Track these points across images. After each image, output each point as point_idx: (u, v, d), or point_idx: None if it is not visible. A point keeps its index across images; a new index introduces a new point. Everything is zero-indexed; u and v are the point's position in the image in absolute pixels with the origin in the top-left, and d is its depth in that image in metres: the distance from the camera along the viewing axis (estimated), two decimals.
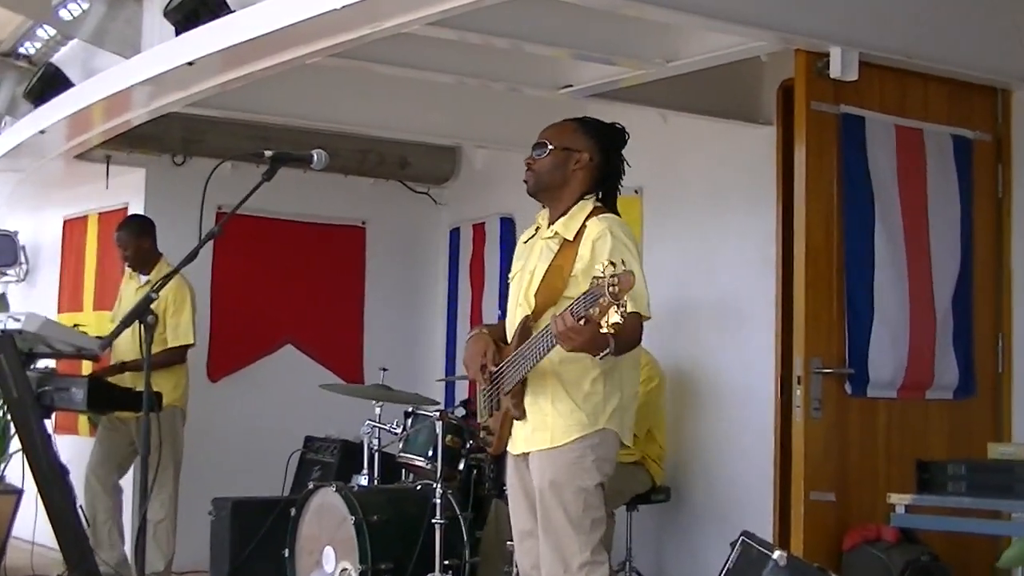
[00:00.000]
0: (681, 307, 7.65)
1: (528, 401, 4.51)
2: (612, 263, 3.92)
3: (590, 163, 4.60)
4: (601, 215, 4.52)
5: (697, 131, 7.56)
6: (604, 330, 3.96)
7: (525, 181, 4.64)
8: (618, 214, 4.61)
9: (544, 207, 4.72)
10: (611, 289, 3.87)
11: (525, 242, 4.75)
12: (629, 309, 4.26)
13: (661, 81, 6.68)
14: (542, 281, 4.50)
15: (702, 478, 7.49)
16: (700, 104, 7.19)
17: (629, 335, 4.29)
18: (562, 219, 4.58)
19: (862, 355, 5.82)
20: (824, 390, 5.67)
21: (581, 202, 4.58)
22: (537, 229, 4.70)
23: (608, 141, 4.64)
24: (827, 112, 5.78)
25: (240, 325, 9.07)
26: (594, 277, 3.97)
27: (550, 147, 4.60)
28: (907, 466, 5.45)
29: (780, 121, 7.12)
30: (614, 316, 3.91)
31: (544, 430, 4.47)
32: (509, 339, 4.58)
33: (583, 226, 4.51)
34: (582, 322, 4.03)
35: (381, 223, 9.70)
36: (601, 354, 4.20)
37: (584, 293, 4.02)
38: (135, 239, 7.77)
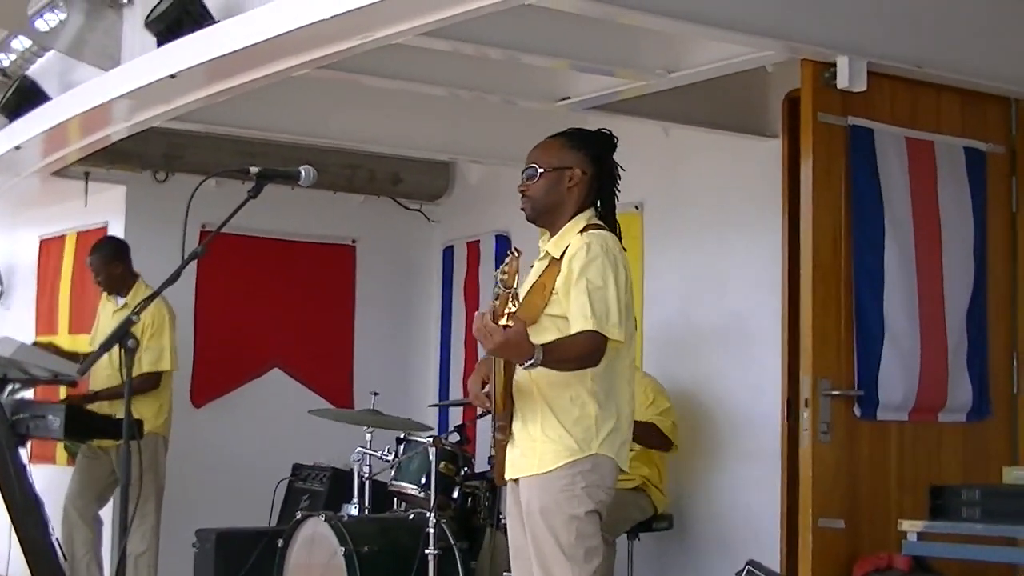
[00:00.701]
0: (684, 327, 7.66)
1: (517, 426, 4.51)
2: (512, 251, 4.04)
3: (584, 177, 4.60)
4: (590, 231, 4.52)
5: (700, 144, 7.57)
6: (503, 321, 4.04)
7: (523, 208, 4.66)
8: (616, 224, 4.62)
9: (543, 230, 4.73)
10: (501, 277, 3.97)
11: (532, 267, 4.78)
12: (590, 326, 4.33)
13: (662, 92, 6.69)
14: (525, 299, 4.51)
15: (706, 504, 7.48)
16: (703, 116, 7.21)
17: (569, 349, 4.34)
18: (555, 237, 4.60)
19: (872, 376, 5.82)
20: (833, 413, 5.67)
21: (575, 219, 4.60)
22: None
23: (598, 150, 4.65)
24: (835, 124, 5.79)
25: (225, 348, 9.06)
26: (495, 273, 4.09)
27: (540, 170, 4.61)
28: (919, 492, 5.45)
29: (786, 133, 7.13)
30: (510, 305, 4.01)
31: (532, 455, 4.47)
32: None
33: (569, 244, 4.53)
34: (498, 320, 4.11)
35: (372, 241, 9.70)
36: (526, 362, 4.24)
37: (493, 288, 4.12)
38: (106, 265, 7.77)
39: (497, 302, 4.07)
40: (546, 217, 4.64)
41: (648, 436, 6.87)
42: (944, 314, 6.08)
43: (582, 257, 4.43)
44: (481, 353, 4.53)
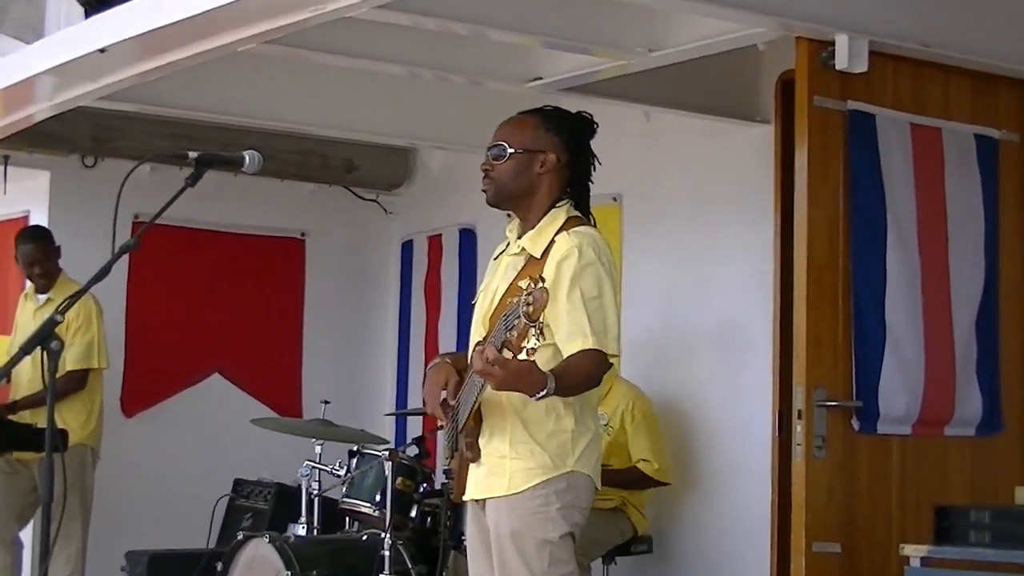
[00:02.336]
0: (666, 332, 7.66)
1: (484, 441, 4.47)
2: (533, 279, 3.91)
3: (557, 164, 4.55)
4: (575, 228, 4.48)
5: (684, 130, 7.58)
6: (522, 356, 3.94)
7: (484, 190, 4.61)
8: (592, 219, 4.59)
9: (510, 217, 4.69)
10: (525, 308, 3.86)
11: (495, 258, 4.73)
12: (590, 345, 4.29)
13: (644, 73, 6.68)
14: (499, 302, 4.46)
15: (690, 526, 7.48)
16: (688, 100, 7.21)
17: (578, 373, 4.29)
18: (531, 232, 4.55)
19: (872, 386, 5.83)
20: (828, 426, 5.68)
21: (552, 211, 4.54)
22: (508, 244, 4.68)
23: (576, 135, 4.60)
24: (832, 109, 5.79)
25: (159, 352, 9.03)
26: (511, 298, 3.96)
27: (510, 150, 4.56)
28: (923, 513, 5.46)
29: (779, 119, 7.13)
30: (531, 340, 3.90)
31: (500, 475, 4.43)
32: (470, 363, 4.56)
33: (552, 241, 4.48)
34: (504, 352, 4.01)
35: (323, 235, 9.69)
36: (538, 394, 4.18)
37: (503, 316, 4.02)
38: (46, 257, 7.72)
39: (512, 334, 3.94)
40: (509, 203, 4.60)
41: (631, 482, 6.94)
42: (951, 318, 6.10)
43: (573, 263, 4.38)
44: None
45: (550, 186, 4.56)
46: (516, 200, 4.59)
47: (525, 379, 4.11)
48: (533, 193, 4.55)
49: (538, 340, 3.90)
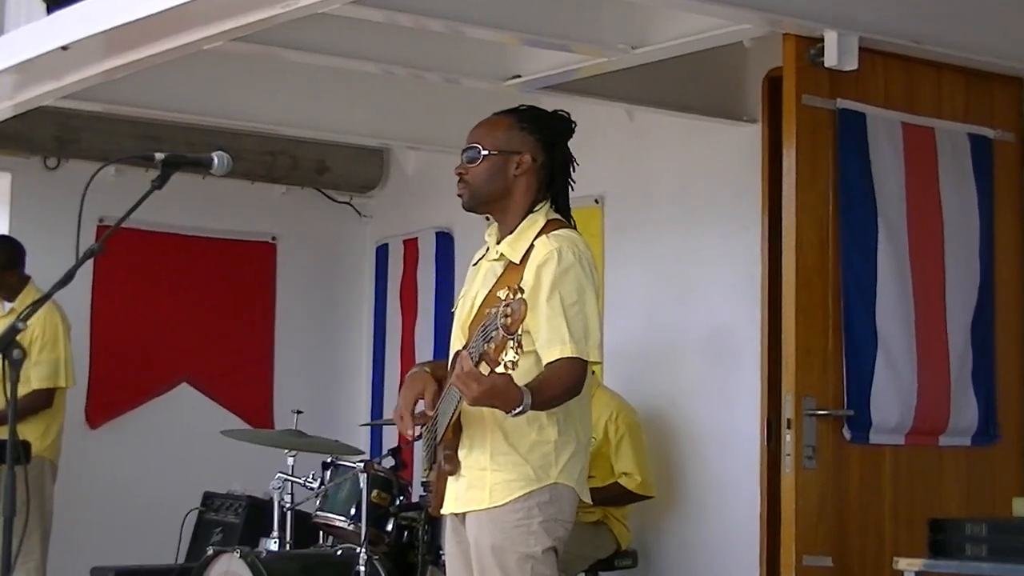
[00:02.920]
0: (650, 339, 7.65)
1: (463, 453, 4.46)
2: (512, 288, 3.89)
3: (534, 164, 4.54)
4: (554, 232, 4.47)
5: (668, 130, 7.58)
6: (500, 369, 3.93)
7: (459, 195, 4.60)
8: (572, 222, 4.58)
9: (489, 220, 4.69)
10: (503, 320, 3.84)
11: (474, 264, 4.72)
12: (569, 353, 4.27)
13: (626, 71, 6.68)
14: (479, 310, 4.45)
15: (675, 540, 7.48)
16: (672, 98, 7.21)
17: (555, 386, 4.28)
18: (510, 237, 4.54)
19: (863, 394, 5.83)
20: (819, 435, 5.68)
21: (531, 216, 4.53)
22: (488, 249, 4.67)
23: (552, 135, 4.59)
24: (821, 108, 5.80)
25: (125, 360, 9.01)
26: (490, 309, 3.94)
27: (483, 151, 4.55)
28: (917, 525, 5.46)
29: (766, 118, 7.14)
30: (510, 352, 3.88)
31: (480, 488, 4.42)
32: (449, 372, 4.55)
33: (532, 246, 4.47)
34: (482, 365, 3.99)
35: (294, 238, 9.68)
36: (515, 410, 4.16)
37: (481, 327, 4.00)
38: (6, 261, 7.70)
39: (490, 346, 3.93)
40: (485, 207, 4.60)
41: (613, 498, 6.95)
42: (945, 324, 6.11)
43: (552, 267, 4.37)
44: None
45: (527, 188, 4.55)
46: (492, 204, 4.58)
47: (500, 396, 4.10)
48: (509, 196, 4.55)
49: (516, 353, 3.89)
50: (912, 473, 5.98)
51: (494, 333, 3.89)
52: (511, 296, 3.86)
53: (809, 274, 5.73)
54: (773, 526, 6.36)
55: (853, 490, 5.80)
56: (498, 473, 4.40)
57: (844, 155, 5.85)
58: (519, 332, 3.86)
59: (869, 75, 5.86)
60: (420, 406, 4.54)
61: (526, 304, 3.87)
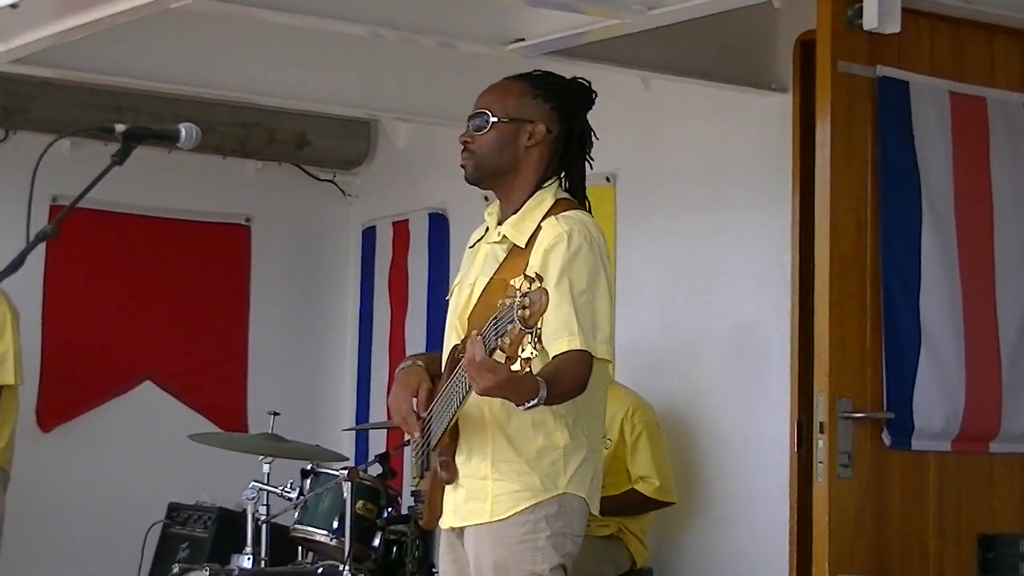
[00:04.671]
0: (666, 334, 7.65)
1: (461, 460, 4.46)
2: (528, 277, 3.87)
3: (547, 136, 4.54)
4: (564, 213, 4.46)
5: (688, 100, 7.58)
6: (516, 367, 3.92)
7: (463, 166, 4.60)
8: (587, 205, 4.57)
9: (488, 200, 4.68)
10: (520, 312, 3.83)
11: (471, 247, 4.71)
12: (578, 345, 4.27)
13: (641, 34, 6.67)
14: (480, 299, 4.45)
15: (696, 556, 7.49)
16: (692, 65, 7.20)
17: (570, 378, 4.27)
18: (513, 217, 4.53)
19: (905, 395, 5.84)
20: (855, 441, 5.69)
21: (538, 193, 4.54)
22: (488, 230, 4.66)
23: (570, 103, 4.59)
24: (859, 75, 5.80)
25: (81, 356, 9.02)
26: (502, 299, 3.93)
27: (492, 119, 4.55)
28: (965, 542, 5.48)
29: (797, 87, 7.13)
30: (527, 348, 3.87)
31: (481, 499, 4.42)
32: (443, 368, 4.55)
33: (538, 227, 4.47)
34: (496, 356, 3.98)
35: (271, 220, 9.69)
36: (528, 403, 4.15)
37: (492, 318, 3.98)
38: None
39: (504, 340, 3.91)
40: (491, 181, 4.61)
41: (629, 507, 6.96)
42: (996, 317, 6.12)
43: (562, 252, 4.36)
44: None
45: (538, 162, 4.55)
46: (499, 178, 4.58)
47: (515, 385, 4.08)
48: (517, 169, 4.55)
49: (535, 349, 3.87)
50: (959, 483, 5.99)
51: (509, 326, 3.87)
52: (528, 285, 3.84)
53: (845, 262, 5.74)
54: (804, 541, 6.37)
55: (893, 502, 5.81)
56: (500, 483, 4.40)
57: (884, 129, 5.85)
58: (538, 326, 3.84)
59: (913, 39, 5.87)
60: (413, 404, 4.54)
61: (547, 295, 3.85)
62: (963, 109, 6.05)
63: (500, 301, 3.92)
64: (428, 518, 4.63)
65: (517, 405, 4.17)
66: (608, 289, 4.42)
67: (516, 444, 4.39)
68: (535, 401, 4.13)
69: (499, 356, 3.97)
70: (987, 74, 6.12)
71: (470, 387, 4.15)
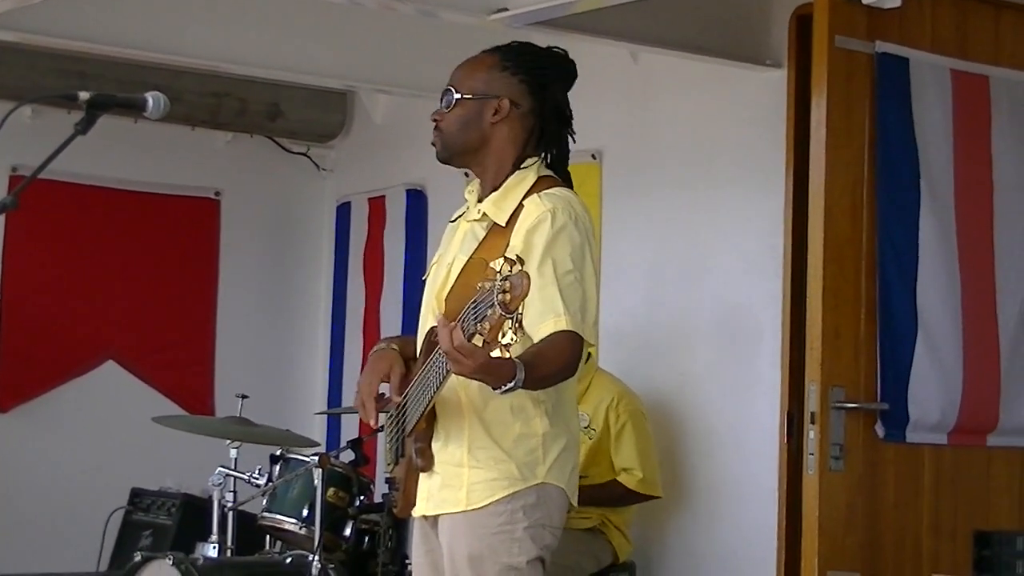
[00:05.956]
0: (653, 319, 7.66)
1: (437, 446, 4.46)
2: (509, 259, 3.85)
3: (515, 111, 4.52)
4: (547, 191, 4.46)
5: (678, 75, 7.58)
6: (495, 353, 3.90)
7: (433, 143, 4.60)
8: (570, 184, 4.57)
9: (468, 176, 4.68)
10: (501, 297, 3.81)
11: (452, 222, 4.71)
12: (564, 326, 4.26)
13: (631, 5, 6.67)
14: (458, 279, 4.45)
15: (681, 551, 7.51)
16: (683, 38, 7.20)
17: (552, 361, 4.26)
18: (494, 194, 4.53)
19: (900, 385, 5.86)
20: (847, 432, 5.71)
21: (519, 172, 4.53)
22: (468, 208, 4.65)
23: (541, 76, 4.57)
24: (857, 51, 5.81)
25: (41, 334, 9.00)
26: (481, 282, 3.91)
27: (456, 95, 4.55)
28: (961, 538, 5.49)
29: (793, 63, 7.13)
30: (508, 334, 3.86)
31: (456, 487, 4.42)
32: (419, 351, 4.55)
33: (520, 206, 4.46)
34: (475, 340, 3.97)
35: (241, 194, 9.68)
36: (504, 386, 4.14)
37: (472, 301, 3.96)
38: None
39: (483, 325, 3.87)
40: (462, 159, 4.60)
41: (610, 498, 6.95)
42: (996, 305, 6.13)
43: (546, 230, 4.35)
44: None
45: (509, 138, 4.53)
46: (468, 156, 4.58)
47: (494, 369, 4.06)
48: (487, 147, 4.54)
49: (515, 335, 3.84)
50: (956, 478, 6.01)
51: (488, 311, 3.85)
52: (508, 267, 3.84)
53: (839, 245, 5.75)
54: (793, 536, 6.39)
55: (887, 496, 5.82)
56: (477, 470, 4.40)
57: (883, 107, 5.86)
58: (519, 311, 3.83)
59: (914, 13, 5.88)
60: (384, 388, 4.54)
61: (529, 279, 3.82)
62: (965, 87, 6.06)
63: (479, 284, 3.91)
64: (403, 506, 4.63)
65: (494, 389, 4.17)
66: (594, 272, 4.42)
67: (493, 431, 4.39)
68: (511, 384, 4.10)
69: (477, 340, 3.96)
70: (991, 51, 6.13)
71: (448, 371, 4.15)
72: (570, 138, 4.62)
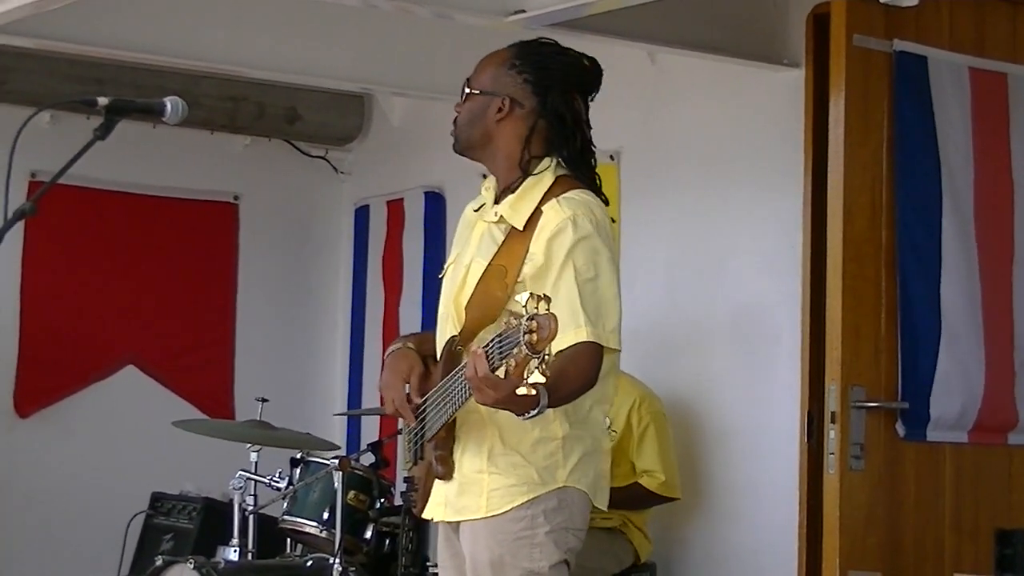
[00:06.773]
0: (671, 319, 7.65)
1: (457, 454, 4.45)
2: (536, 296, 3.79)
3: (520, 111, 4.49)
4: (567, 194, 4.42)
5: (696, 75, 7.57)
6: (522, 391, 3.87)
7: (452, 134, 4.62)
8: (597, 187, 4.54)
9: (485, 176, 4.67)
10: (528, 337, 3.76)
11: (471, 212, 4.67)
12: (585, 337, 4.23)
13: (648, 6, 6.66)
14: (478, 286, 4.42)
15: (701, 551, 7.50)
16: (701, 38, 7.18)
17: (574, 379, 4.24)
18: (511, 197, 4.50)
19: (921, 384, 5.85)
20: (868, 431, 5.71)
21: (535, 175, 4.48)
22: (484, 204, 4.63)
23: (547, 77, 4.52)
24: (875, 50, 5.81)
25: (61, 339, 9.00)
26: (508, 317, 3.85)
27: (467, 90, 4.57)
28: (982, 537, 5.48)
29: (811, 62, 7.09)
30: (535, 375, 3.81)
31: (476, 493, 4.41)
32: (439, 357, 4.53)
33: (539, 211, 4.43)
34: (499, 372, 3.94)
35: (260, 198, 9.68)
36: (529, 413, 4.12)
37: (498, 336, 3.92)
38: None
39: (511, 362, 3.84)
40: (472, 154, 4.60)
41: (631, 500, 6.93)
42: (1012, 302, 6.13)
43: (568, 237, 4.32)
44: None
45: (513, 137, 4.49)
46: (477, 151, 4.59)
47: (515, 401, 4.03)
48: (494, 144, 4.53)
49: (542, 375, 3.79)
50: (977, 476, 6.00)
51: (515, 350, 3.81)
52: (535, 303, 3.77)
53: (858, 244, 5.75)
54: (814, 536, 6.37)
55: (907, 495, 5.82)
56: (496, 477, 4.38)
57: (901, 106, 5.86)
58: (546, 352, 3.79)
59: (932, 12, 5.87)
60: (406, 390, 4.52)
61: (556, 321, 3.76)
62: (983, 85, 6.05)
63: (506, 320, 3.85)
64: (422, 507, 4.62)
65: (517, 415, 4.15)
66: (615, 277, 4.39)
67: (511, 437, 4.37)
68: (535, 412, 4.10)
69: (501, 372, 3.93)
70: (1009, 49, 6.13)
71: (470, 395, 4.13)
72: (582, 139, 4.56)
